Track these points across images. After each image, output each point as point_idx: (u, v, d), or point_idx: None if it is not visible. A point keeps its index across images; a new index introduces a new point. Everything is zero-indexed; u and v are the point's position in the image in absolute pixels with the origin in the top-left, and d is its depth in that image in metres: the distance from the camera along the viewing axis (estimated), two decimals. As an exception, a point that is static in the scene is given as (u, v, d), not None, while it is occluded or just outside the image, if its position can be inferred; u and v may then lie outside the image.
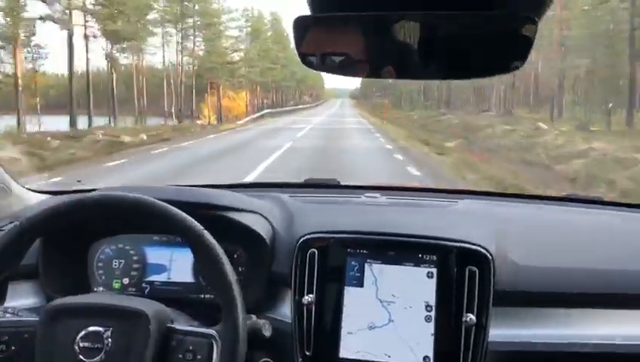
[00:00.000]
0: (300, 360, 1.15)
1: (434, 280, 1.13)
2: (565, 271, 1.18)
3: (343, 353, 1.13)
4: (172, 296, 1.26)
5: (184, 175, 9.64)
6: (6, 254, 0.97)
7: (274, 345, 1.13)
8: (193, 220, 0.98)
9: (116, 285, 1.31)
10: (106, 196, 1.00)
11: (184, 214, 0.98)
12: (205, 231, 0.97)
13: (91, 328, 0.91)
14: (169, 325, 0.95)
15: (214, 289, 0.96)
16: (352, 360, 1.13)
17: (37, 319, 0.95)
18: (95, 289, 1.30)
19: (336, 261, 1.17)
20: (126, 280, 1.31)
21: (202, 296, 1.28)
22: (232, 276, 0.95)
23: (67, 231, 1.24)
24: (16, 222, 1.33)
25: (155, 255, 1.32)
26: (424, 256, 1.14)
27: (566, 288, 1.15)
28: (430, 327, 1.12)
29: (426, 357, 1.11)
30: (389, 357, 1.12)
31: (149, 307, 0.95)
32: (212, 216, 1.15)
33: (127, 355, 0.90)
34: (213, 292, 0.97)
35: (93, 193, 1.02)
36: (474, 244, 1.14)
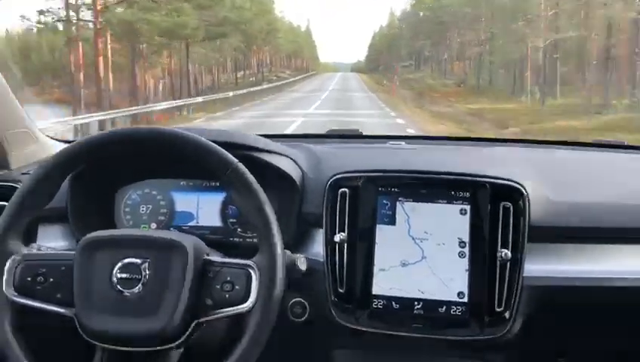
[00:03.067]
0: (333, 297, 1.14)
1: (467, 217, 1.12)
2: (599, 206, 1.16)
3: (376, 289, 1.13)
4: (200, 239, 1.25)
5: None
6: (42, 187, 0.97)
7: (306, 284, 1.12)
8: (227, 153, 0.97)
9: (144, 229, 1.30)
10: (140, 129, 0.99)
11: (219, 147, 0.97)
12: (240, 163, 0.96)
13: (128, 259, 0.91)
14: (206, 257, 0.94)
15: (251, 219, 0.95)
16: (385, 296, 1.13)
17: (73, 253, 0.94)
18: None
19: (367, 199, 1.15)
20: (154, 225, 1.30)
21: (231, 238, 1.28)
22: (268, 204, 0.93)
23: (94, 175, 1.23)
24: None
25: (183, 200, 1.32)
26: (457, 193, 1.13)
27: (600, 223, 1.14)
28: (464, 263, 1.11)
29: (460, 293, 1.10)
30: (422, 293, 1.12)
31: (186, 239, 0.94)
32: (242, 155, 1.13)
33: (165, 286, 0.89)
34: (249, 222, 0.95)
35: (129, 127, 1.00)
36: (508, 180, 1.12)
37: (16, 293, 0.91)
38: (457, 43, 39.72)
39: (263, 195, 0.94)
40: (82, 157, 0.99)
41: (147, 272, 0.90)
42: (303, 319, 1.18)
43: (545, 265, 1.11)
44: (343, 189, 1.17)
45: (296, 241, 1.19)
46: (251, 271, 0.91)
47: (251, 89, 29.51)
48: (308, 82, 48.72)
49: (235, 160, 0.96)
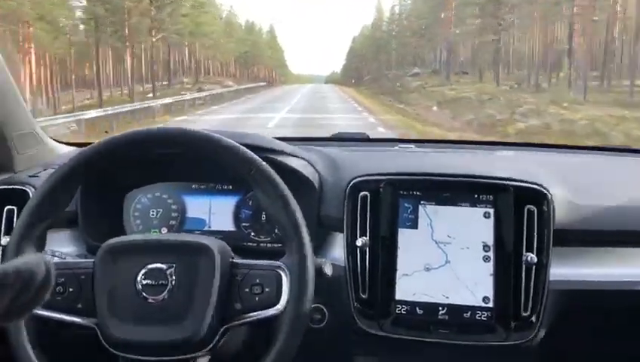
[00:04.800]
0: (356, 303, 1.12)
1: (491, 220, 1.10)
2: (624, 209, 1.16)
3: (399, 294, 1.11)
4: None
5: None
6: (57, 195, 0.92)
7: (327, 289, 1.10)
8: (250, 152, 0.94)
9: (154, 234, 1.27)
10: (161, 130, 0.95)
11: (241, 146, 0.94)
12: (264, 162, 0.93)
13: (153, 265, 0.87)
14: (232, 260, 0.91)
15: (278, 218, 0.91)
16: (409, 301, 1.10)
17: (92, 260, 0.90)
18: None
19: (388, 203, 1.13)
20: (164, 230, 1.27)
21: (244, 243, 1.25)
22: (295, 204, 0.90)
23: (104, 178, 1.19)
24: (50, 169, 1.30)
25: (194, 203, 1.28)
26: (480, 196, 1.11)
27: (626, 226, 1.14)
28: (489, 267, 1.09)
29: (485, 298, 1.09)
30: (447, 297, 1.10)
31: (212, 241, 0.91)
32: (261, 157, 1.11)
33: (193, 291, 0.86)
34: (276, 223, 0.92)
35: (147, 128, 0.97)
36: (532, 183, 1.11)
37: None
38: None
39: (289, 194, 0.91)
40: (104, 160, 0.95)
41: (173, 278, 0.87)
42: (322, 325, 1.15)
43: (570, 269, 1.10)
44: (363, 193, 1.14)
45: (317, 244, 1.17)
46: (281, 272, 0.88)
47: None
48: (252, 98, 30.84)
49: (259, 159, 0.93)
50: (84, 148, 0.95)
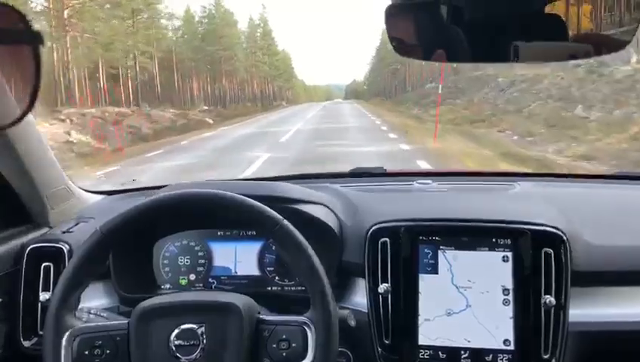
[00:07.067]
0: (380, 348, 1.15)
1: (510, 264, 1.13)
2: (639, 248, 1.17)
3: (422, 340, 1.13)
4: (239, 290, 1.26)
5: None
6: (92, 261, 0.97)
7: (350, 335, 1.13)
8: (272, 211, 0.98)
9: (183, 281, 1.31)
10: (184, 194, 1.00)
11: (263, 206, 0.98)
12: (285, 220, 0.97)
13: (185, 326, 0.91)
14: (258, 316, 0.95)
15: (301, 275, 0.96)
16: (432, 346, 1.13)
17: (127, 322, 0.95)
18: (162, 286, 1.31)
19: (408, 249, 1.16)
20: (192, 276, 1.31)
21: (269, 288, 1.29)
22: (317, 261, 0.94)
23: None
24: (82, 222, 1.35)
25: (220, 250, 1.33)
26: (498, 241, 1.14)
27: None
28: (509, 311, 1.11)
29: (506, 341, 1.11)
30: (469, 341, 1.12)
31: (238, 299, 0.95)
32: (282, 208, 1.15)
33: (224, 349, 0.90)
34: (300, 280, 0.97)
35: (170, 193, 1.01)
36: (548, 226, 1.14)
37: None
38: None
39: (311, 252, 0.96)
40: (132, 225, 0.99)
41: (204, 337, 0.91)
42: None
43: (588, 310, 1.12)
44: (383, 239, 1.17)
45: (338, 291, 1.20)
46: (307, 328, 0.92)
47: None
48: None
49: (281, 218, 0.97)
50: (112, 219, 0.98)
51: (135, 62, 32.59)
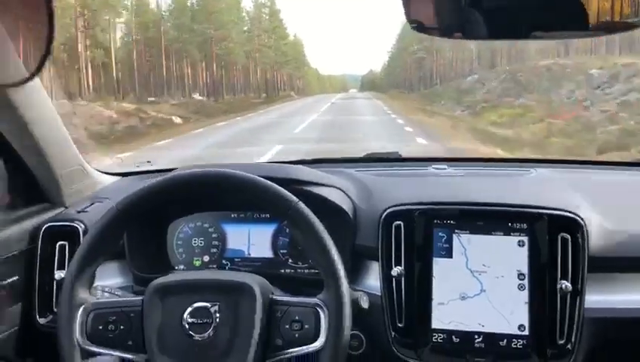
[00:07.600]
0: (393, 331, 1.15)
1: (525, 249, 1.11)
2: None
3: (435, 323, 1.13)
4: (252, 271, 1.27)
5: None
6: (107, 238, 0.98)
7: (364, 318, 1.13)
8: (286, 191, 0.98)
9: (197, 263, 1.32)
10: (199, 172, 1.00)
11: (278, 186, 0.98)
12: (299, 202, 0.97)
13: (198, 304, 0.92)
14: (272, 297, 0.95)
15: (314, 257, 0.95)
16: (445, 330, 1.12)
17: (141, 298, 0.95)
18: (176, 267, 1.31)
19: (422, 232, 1.15)
20: (206, 258, 1.32)
21: (282, 271, 1.29)
22: (331, 243, 0.94)
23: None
24: (97, 202, 1.36)
25: (234, 232, 1.33)
26: (514, 225, 1.12)
27: None
28: (524, 296, 1.10)
29: (521, 326, 1.10)
30: (483, 326, 1.11)
31: (252, 279, 0.95)
32: (297, 190, 1.14)
33: (237, 328, 0.90)
34: (313, 262, 0.96)
35: (185, 171, 1.01)
36: (565, 211, 1.12)
37: (89, 342, 0.92)
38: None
39: (325, 234, 0.95)
40: (148, 203, 0.99)
41: (217, 316, 0.91)
42: (360, 352, 1.18)
43: (605, 296, 1.11)
44: (397, 222, 1.17)
45: (352, 273, 1.20)
46: (319, 310, 0.92)
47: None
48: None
49: (295, 199, 0.97)
50: (128, 196, 0.99)
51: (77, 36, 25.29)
